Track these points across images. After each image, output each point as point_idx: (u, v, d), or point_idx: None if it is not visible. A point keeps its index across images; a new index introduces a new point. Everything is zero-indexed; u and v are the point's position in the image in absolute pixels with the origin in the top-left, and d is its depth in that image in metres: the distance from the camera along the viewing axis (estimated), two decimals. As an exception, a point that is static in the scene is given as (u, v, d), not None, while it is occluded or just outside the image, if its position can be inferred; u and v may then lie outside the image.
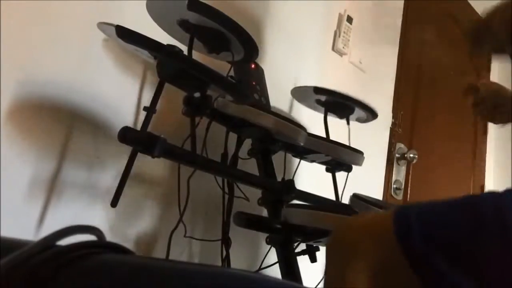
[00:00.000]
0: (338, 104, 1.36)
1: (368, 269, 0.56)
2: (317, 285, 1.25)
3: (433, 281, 0.52)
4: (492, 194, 0.57)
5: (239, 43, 1.02)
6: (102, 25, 0.96)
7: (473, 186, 2.62)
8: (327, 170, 1.40)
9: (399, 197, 2.14)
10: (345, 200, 1.34)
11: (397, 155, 2.13)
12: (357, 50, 1.91)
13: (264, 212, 1.23)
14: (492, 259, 0.51)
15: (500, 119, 1.11)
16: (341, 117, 1.40)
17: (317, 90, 1.32)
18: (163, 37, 1.00)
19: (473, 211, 0.55)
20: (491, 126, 2.79)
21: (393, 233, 0.55)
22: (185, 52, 0.99)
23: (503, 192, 0.56)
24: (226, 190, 1.22)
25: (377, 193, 1.99)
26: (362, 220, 0.65)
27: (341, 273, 0.57)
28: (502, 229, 0.51)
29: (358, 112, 1.38)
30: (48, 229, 0.75)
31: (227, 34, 1.01)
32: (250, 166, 1.22)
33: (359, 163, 1.34)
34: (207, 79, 0.98)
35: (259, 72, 1.34)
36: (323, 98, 1.36)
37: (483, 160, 2.76)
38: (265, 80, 1.35)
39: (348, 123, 1.39)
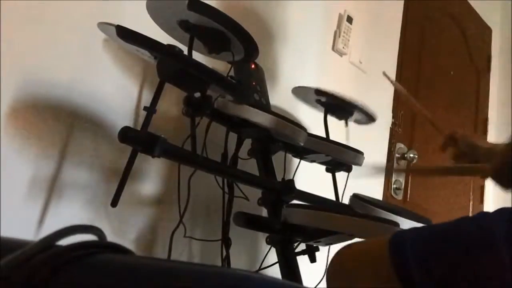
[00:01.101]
0: (338, 106, 1.37)
1: None
2: (317, 285, 1.25)
3: None
4: (484, 217, 0.58)
5: (239, 43, 1.02)
6: (102, 25, 0.96)
7: (473, 186, 2.62)
8: (327, 170, 1.40)
9: (399, 197, 2.14)
10: (346, 200, 1.35)
11: (397, 155, 2.13)
12: (357, 50, 1.91)
13: (264, 212, 1.23)
14: (487, 286, 0.52)
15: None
16: (340, 118, 1.40)
17: (319, 92, 1.32)
18: (163, 37, 1.00)
19: (466, 239, 0.56)
20: (491, 126, 2.79)
21: (389, 262, 0.56)
22: (185, 52, 0.99)
23: (495, 214, 0.57)
24: (226, 190, 1.22)
25: (377, 193, 1.99)
26: (360, 249, 0.67)
27: None
28: (495, 257, 0.52)
29: (357, 115, 1.39)
30: (48, 229, 0.75)
31: (227, 34, 1.00)
32: (250, 166, 1.22)
33: (359, 163, 1.34)
34: (207, 79, 0.98)
35: (259, 72, 1.34)
36: (323, 99, 1.36)
37: (483, 160, 2.76)
38: (265, 80, 1.35)
39: (346, 125, 1.39)
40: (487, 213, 0.59)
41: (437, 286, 0.53)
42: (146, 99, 1.19)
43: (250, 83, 1.27)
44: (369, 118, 1.40)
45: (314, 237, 1.13)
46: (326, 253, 1.21)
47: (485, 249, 0.53)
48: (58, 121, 1.05)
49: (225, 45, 1.04)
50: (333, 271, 0.64)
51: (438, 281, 0.54)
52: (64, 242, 0.36)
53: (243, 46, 1.03)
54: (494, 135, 2.80)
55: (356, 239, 0.98)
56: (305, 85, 1.38)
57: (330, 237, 1.09)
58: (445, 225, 0.59)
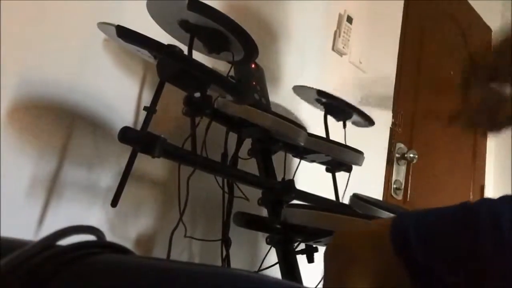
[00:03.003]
0: (337, 108, 1.37)
1: (366, 276, 0.57)
2: (317, 285, 1.25)
3: None
4: (488, 201, 0.58)
5: (239, 43, 1.02)
6: (102, 25, 0.96)
7: (473, 186, 2.62)
8: (327, 170, 1.40)
9: (399, 197, 2.14)
10: (346, 200, 1.34)
11: (397, 155, 2.13)
12: (357, 50, 1.91)
13: (264, 212, 1.23)
14: (489, 268, 0.52)
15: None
16: (338, 120, 1.41)
17: (320, 93, 1.32)
18: (163, 37, 1.00)
19: (470, 220, 0.56)
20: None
21: (391, 244, 0.56)
22: (185, 52, 0.99)
23: (499, 200, 0.57)
24: (226, 190, 1.22)
25: (377, 193, 1.99)
26: (360, 229, 0.66)
27: (339, 279, 0.58)
28: (499, 238, 0.52)
29: (356, 117, 1.39)
30: (48, 229, 0.75)
31: (227, 34, 1.00)
32: (250, 166, 1.22)
33: (359, 163, 1.34)
34: (207, 79, 0.98)
35: (259, 72, 1.34)
36: (323, 99, 1.36)
37: (483, 160, 2.76)
38: (265, 80, 1.35)
39: (344, 126, 1.40)
40: (490, 198, 0.60)
41: (441, 270, 0.53)
42: (146, 99, 1.19)
43: (250, 83, 1.27)
44: (368, 121, 1.40)
45: (314, 237, 1.13)
46: (326, 253, 1.21)
47: (491, 234, 0.53)
48: (58, 121, 1.05)
49: (225, 45, 1.04)
50: (332, 252, 0.64)
51: (442, 265, 0.54)
52: (64, 242, 0.36)
53: (243, 46, 1.03)
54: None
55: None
56: (305, 84, 1.38)
57: (330, 237, 1.09)
58: (447, 208, 0.59)
